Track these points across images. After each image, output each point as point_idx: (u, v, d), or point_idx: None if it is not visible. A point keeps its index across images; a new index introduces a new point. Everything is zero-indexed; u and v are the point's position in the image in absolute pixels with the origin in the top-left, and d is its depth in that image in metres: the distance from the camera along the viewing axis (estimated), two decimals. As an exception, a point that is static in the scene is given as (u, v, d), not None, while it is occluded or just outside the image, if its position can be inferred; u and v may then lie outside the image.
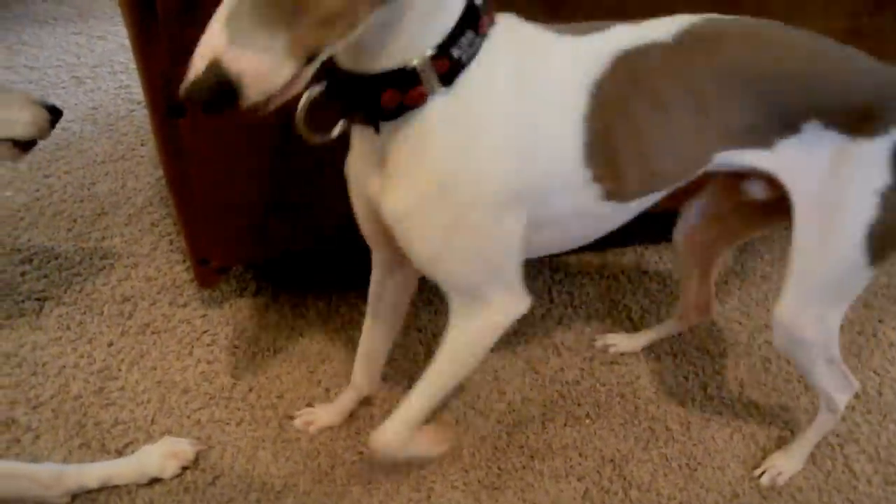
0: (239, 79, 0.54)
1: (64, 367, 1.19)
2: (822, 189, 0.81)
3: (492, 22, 0.67)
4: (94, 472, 1.00)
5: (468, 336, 0.82)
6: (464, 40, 0.64)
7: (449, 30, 0.63)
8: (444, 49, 0.64)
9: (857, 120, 0.79)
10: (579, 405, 1.17)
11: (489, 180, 0.70)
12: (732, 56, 0.76)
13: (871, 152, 0.79)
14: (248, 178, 1.05)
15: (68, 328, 1.26)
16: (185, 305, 1.30)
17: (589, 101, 0.72)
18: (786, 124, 0.79)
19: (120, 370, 1.19)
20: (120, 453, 1.07)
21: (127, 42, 2.19)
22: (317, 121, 0.72)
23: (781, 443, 1.11)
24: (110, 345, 1.23)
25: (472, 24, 0.64)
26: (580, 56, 0.73)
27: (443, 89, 0.65)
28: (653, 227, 1.52)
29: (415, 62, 0.64)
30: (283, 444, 1.08)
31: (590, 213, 0.79)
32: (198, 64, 0.55)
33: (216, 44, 0.55)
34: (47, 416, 1.12)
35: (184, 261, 1.39)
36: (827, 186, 0.81)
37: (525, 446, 1.10)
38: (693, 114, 0.76)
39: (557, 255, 1.44)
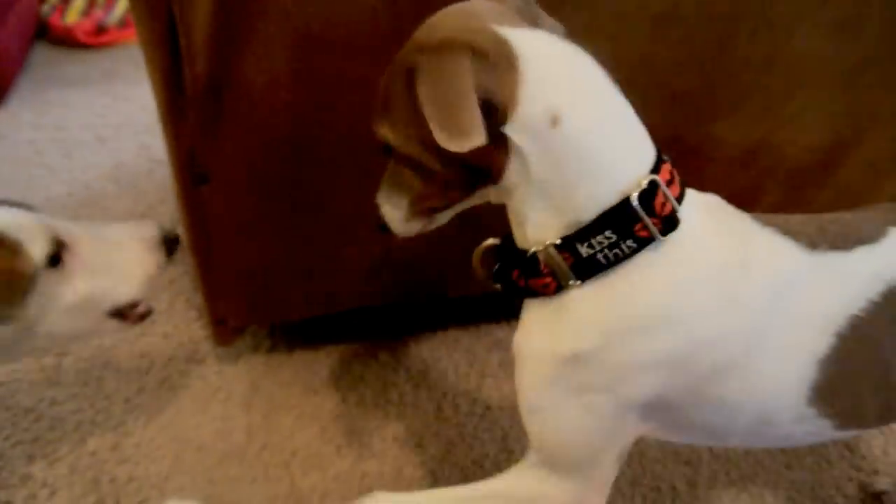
0: (386, 222, 0.72)
1: (81, 422, 1.22)
2: None
3: (665, 227, 0.59)
4: None
5: (520, 494, 0.72)
6: (600, 239, 0.58)
7: (579, 225, 0.59)
8: (569, 242, 0.60)
9: None
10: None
11: (639, 378, 0.62)
12: None
13: None
14: (267, 245, 1.09)
15: (86, 384, 1.29)
16: (200, 362, 1.33)
17: (834, 341, 0.61)
18: None
19: (136, 426, 1.21)
20: (134, 510, 1.09)
21: (149, 103, 2.27)
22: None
23: (789, 502, 1.12)
24: (127, 401, 1.26)
25: (618, 224, 0.58)
26: (836, 279, 0.62)
27: (578, 283, 0.61)
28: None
29: (533, 249, 0.62)
30: (296, 502, 1.10)
31: (799, 436, 0.70)
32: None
33: (378, 194, 0.73)
34: (63, 471, 1.14)
35: (200, 318, 1.42)
36: None
37: None
38: None
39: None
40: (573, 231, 0.59)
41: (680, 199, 0.60)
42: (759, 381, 0.63)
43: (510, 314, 1.44)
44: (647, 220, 0.58)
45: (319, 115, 0.95)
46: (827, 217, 0.68)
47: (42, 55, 2.57)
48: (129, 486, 1.12)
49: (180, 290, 1.49)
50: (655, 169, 0.60)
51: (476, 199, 0.66)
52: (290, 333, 1.36)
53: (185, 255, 1.57)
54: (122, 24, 2.63)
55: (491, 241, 0.71)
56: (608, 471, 0.70)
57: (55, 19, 2.59)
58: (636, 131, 0.62)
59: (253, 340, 1.37)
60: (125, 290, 0.88)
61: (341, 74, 0.92)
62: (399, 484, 1.13)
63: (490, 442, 1.20)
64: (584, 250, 0.59)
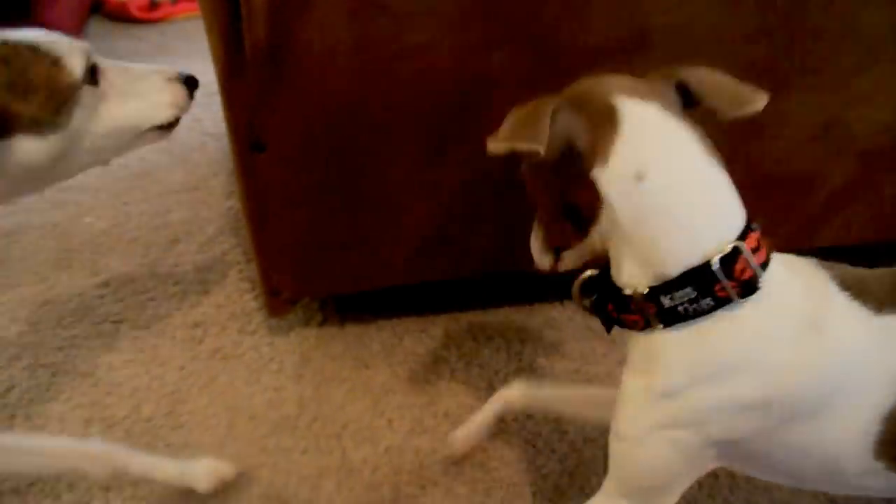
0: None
1: (137, 388, 1.24)
2: None
3: (738, 292, 0.64)
4: (139, 460, 1.01)
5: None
6: (682, 293, 0.64)
7: (665, 278, 0.65)
8: (654, 293, 0.65)
9: None
10: (641, 447, 1.16)
11: (717, 420, 0.68)
12: None
13: None
14: (322, 215, 1.08)
15: (142, 351, 1.31)
16: (253, 333, 1.34)
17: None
18: None
19: (190, 394, 1.23)
20: (188, 476, 1.10)
21: (200, 77, 2.29)
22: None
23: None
24: (181, 368, 1.27)
25: (700, 283, 0.63)
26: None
27: (661, 326, 0.66)
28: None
29: (626, 291, 0.68)
30: (347, 474, 1.10)
31: (868, 487, 0.73)
32: None
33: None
34: (120, 435, 1.16)
35: (252, 289, 1.43)
36: None
37: (587, 487, 1.09)
38: None
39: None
40: (659, 283, 0.65)
41: (765, 265, 0.65)
42: (827, 432, 0.67)
43: (564, 294, 1.42)
44: (727, 283, 0.63)
45: (377, 83, 0.93)
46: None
47: (97, 29, 2.61)
48: (184, 452, 1.13)
49: (233, 262, 1.50)
50: (742, 236, 0.64)
51: (590, 246, 0.72)
52: (342, 306, 1.36)
53: (238, 227, 1.58)
54: (175, -1, 2.65)
55: (590, 272, 0.75)
56: (675, 498, 0.75)
57: (110, -6, 2.63)
58: (726, 199, 0.67)
59: (305, 313, 1.37)
60: (159, 112, 0.95)
61: (400, 41, 0.90)
62: (450, 460, 1.12)
63: (543, 421, 1.18)
64: (666, 301, 0.65)
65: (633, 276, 0.67)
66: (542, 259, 0.78)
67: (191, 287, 1.44)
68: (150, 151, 1.86)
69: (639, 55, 0.98)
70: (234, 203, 1.67)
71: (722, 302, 0.64)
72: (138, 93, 0.93)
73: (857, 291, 0.68)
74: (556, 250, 0.77)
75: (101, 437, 1.15)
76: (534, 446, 1.14)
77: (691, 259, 0.64)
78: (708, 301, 0.64)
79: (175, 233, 1.59)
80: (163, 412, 1.20)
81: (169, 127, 1.00)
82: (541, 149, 0.63)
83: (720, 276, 0.63)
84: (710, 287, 0.63)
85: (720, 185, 0.67)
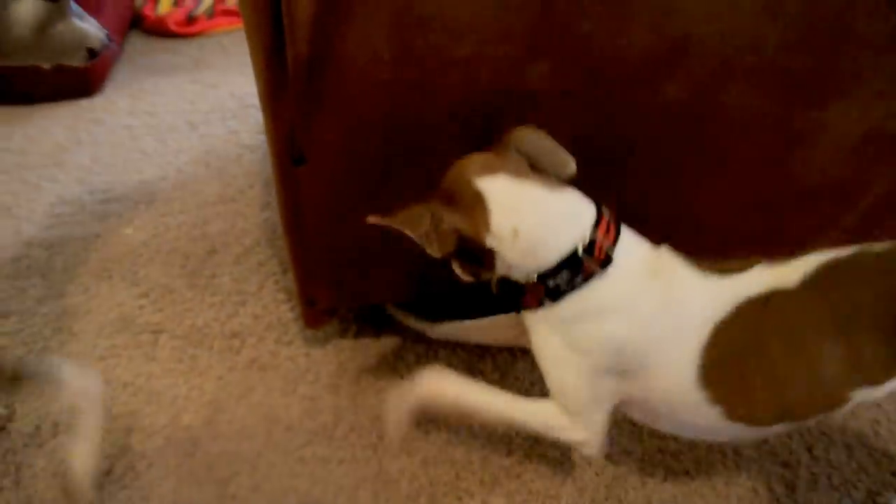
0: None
1: (176, 397, 1.25)
2: None
3: (599, 266, 0.87)
4: None
5: (543, 417, 0.97)
6: (560, 276, 0.87)
7: (547, 268, 0.88)
8: (541, 279, 0.88)
9: None
10: (679, 460, 1.14)
11: (598, 352, 0.91)
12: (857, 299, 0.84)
13: None
14: (361, 227, 1.09)
15: (181, 360, 1.32)
16: (289, 343, 1.35)
17: (710, 335, 0.87)
18: None
19: (228, 403, 1.24)
20: (226, 483, 1.11)
21: (237, 91, 2.32)
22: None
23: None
24: (219, 378, 1.29)
25: (572, 267, 0.87)
26: (712, 295, 0.89)
27: (549, 301, 0.90)
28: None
29: (522, 281, 0.91)
30: (384, 484, 1.10)
31: (712, 427, 0.92)
32: None
33: None
34: (159, 444, 1.18)
35: (289, 300, 1.44)
36: None
37: (624, 500, 1.08)
38: (825, 355, 0.84)
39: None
40: (543, 272, 0.88)
41: (616, 241, 0.89)
42: (669, 373, 0.90)
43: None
44: (590, 262, 0.87)
45: (419, 96, 0.94)
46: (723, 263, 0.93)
47: (136, 44, 2.66)
48: (222, 461, 1.15)
49: (270, 273, 1.51)
50: (596, 224, 0.88)
51: (496, 271, 0.92)
52: (378, 318, 1.36)
53: (274, 238, 1.60)
54: (211, 14, 2.70)
55: (500, 275, 0.95)
56: (602, 421, 0.95)
57: (148, 10, 2.68)
58: (576, 210, 0.89)
59: (340, 324, 1.38)
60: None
61: (442, 54, 0.91)
62: (486, 471, 1.12)
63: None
64: (551, 283, 0.88)
65: (527, 276, 0.90)
66: (465, 279, 0.97)
67: (228, 298, 1.46)
68: (188, 164, 1.89)
69: (679, 65, 0.97)
70: (271, 214, 1.69)
71: (590, 276, 0.87)
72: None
73: (690, 260, 0.91)
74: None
75: (142, 447, 1.17)
76: (570, 458, 1.14)
77: (565, 251, 0.87)
78: (579, 278, 0.87)
79: (213, 244, 1.61)
80: (201, 421, 1.21)
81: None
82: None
83: (585, 259, 0.86)
84: (580, 268, 0.87)
85: (568, 203, 0.89)
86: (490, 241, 0.87)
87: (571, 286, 0.88)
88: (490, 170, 0.88)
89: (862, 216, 1.25)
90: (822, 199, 1.21)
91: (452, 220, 0.87)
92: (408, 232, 0.88)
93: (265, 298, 1.45)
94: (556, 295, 0.89)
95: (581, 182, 1.10)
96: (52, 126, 2.12)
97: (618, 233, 0.90)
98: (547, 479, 1.11)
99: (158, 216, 1.71)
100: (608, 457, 1.14)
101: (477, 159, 0.90)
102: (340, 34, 0.88)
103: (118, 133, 2.08)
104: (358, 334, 1.36)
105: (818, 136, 1.12)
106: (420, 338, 1.34)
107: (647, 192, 1.14)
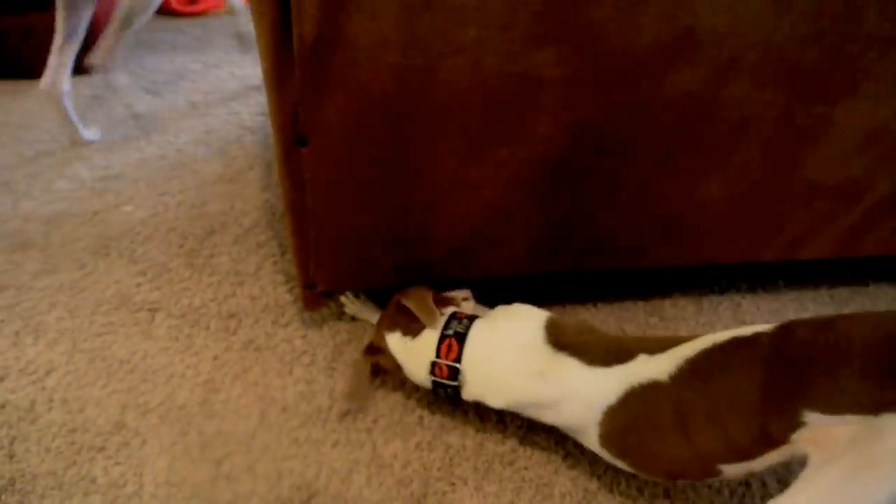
0: None
1: (172, 376, 1.25)
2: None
3: (451, 377, 1.08)
4: None
5: None
6: (440, 392, 1.11)
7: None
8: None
9: None
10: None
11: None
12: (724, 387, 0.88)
13: None
14: (363, 210, 1.09)
15: (177, 339, 1.32)
16: (286, 325, 1.35)
17: (604, 416, 0.97)
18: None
19: (223, 383, 1.24)
20: (219, 463, 1.11)
21: (238, 71, 2.31)
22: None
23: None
24: (215, 358, 1.28)
25: (439, 386, 1.10)
26: (601, 384, 0.98)
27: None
28: (750, 277, 1.49)
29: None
30: (377, 468, 1.10)
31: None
32: None
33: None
34: (154, 421, 1.18)
35: (287, 282, 1.44)
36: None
37: (615, 490, 1.09)
38: (698, 435, 0.89)
39: (651, 298, 1.43)
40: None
41: (458, 356, 1.08)
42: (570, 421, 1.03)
43: (597, 296, 1.42)
44: (444, 381, 1.09)
45: (424, 79, 0.93)
46: (616, 341, 1.05)
47: (138, 22, 2.64)
48: (216, 440, 1.14)
49: (268, 254, 1.51)
50: (437, 351, 1.09)
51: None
52: (375, 301, 1.36)
53: (273, 220, 1.59)
54: (215, -7, 2.68)
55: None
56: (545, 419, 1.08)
57: (152, -13, 2.66)
58: (424, 347, 1.11)
59: (338, 307, 1.38)
60: None
61: (447, 38, 0.90)
62: (480, 458, 1.12)
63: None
64: (444, 393, 1.11)
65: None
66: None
67: (226, 278, 1.45)
68: (189, 144, 1.88)
69: (686, 56, 0.97)
70: (270, 196, 1.69)
71: (453, 387, 1.08)
72: None
73: (573, 350, 1.01)
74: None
75: (136, 424, 1.17)
76: (564, 448, 1.14)
77: (428, 381, 1.12)
78: (450, 389, 1.09)
79: (211, 224, 1.60)
80: (197, 400, 1.21)
81: None
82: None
83: (438, 380, 1.10)
84: (442, 386, 1.10)
85: (420, 342, 1.12)
86: (397, 360, 1.16)
87: (454, 395, 1.10)
88: (393, 327, 1.15)
89: (864, 214, 1.25)
90: (825, 196, 1.21)
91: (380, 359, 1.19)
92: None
93: (263, 280, 1.45)
94: (454, 399, 1.11)
95: (582, 170, 1.09)
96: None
97: (461, 344, 1.08)
98: (540, 467, 1.11)
99: (157, 195, 1.70)
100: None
101: (389, 314, 1.18)
102: (347, 15, 0.87)
103: (119, 111, 2.07)
104: (354, 317, 1.36)
105: (824, 133, 1.12)
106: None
107: (647, 182, 1.14)
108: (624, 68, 0.97)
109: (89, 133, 1.91)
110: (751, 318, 1.39)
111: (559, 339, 1.04)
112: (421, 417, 1.18)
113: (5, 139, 1.93)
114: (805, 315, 1.38)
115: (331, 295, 1.30)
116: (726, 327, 1.36)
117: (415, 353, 1.12)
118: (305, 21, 0.88)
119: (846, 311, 1.42)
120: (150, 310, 1.38)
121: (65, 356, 1.28)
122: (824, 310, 1.42)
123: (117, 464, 1.11)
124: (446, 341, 1.08)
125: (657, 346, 0.98)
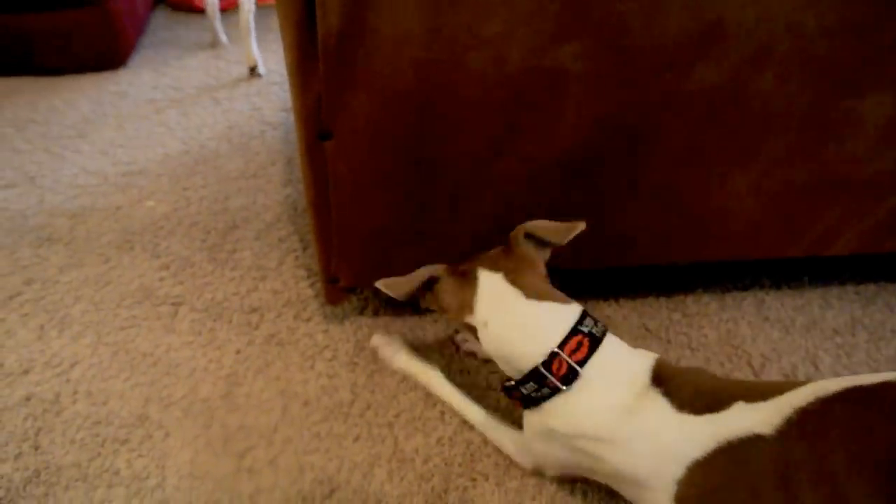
0: None
1: (195, 369, 1.26)
2: None
3: (560, 381, 0.91)
4: None
5: (520, 444, 1.08)
6: (529, 386, 0.94)
7: (519, 376, 0.95)
8: (517, 385, 0.96)
9: None
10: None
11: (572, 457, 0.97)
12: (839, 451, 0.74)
13: None
14: (386, 205, 1.08)
15: (200, 333, 1.33)
16: (308, 320, 1.35)
17: (685, 472, 0.83)
18: None
19: (246, 377, 1.24)
20: (242, 456, 1.12)
21: (261, 67, 2.31)
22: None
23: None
24: (238, 352, 1.29)
25: (537, 379, 0.93)
26: (687, 434, 0.84)
27: (522, 407, 0.99)
28: (775, 273, 1.48)
29: (507, 383, 0.99)
30: (399, 463, 1.10)
31: None
32: None
33: None
34: (177, 414, 1.18)
35: (308, 276, 1.44)
36: None
37: (640, 488, 1.08)
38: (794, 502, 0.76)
39: (674, 294, 1.42)
40: (519, 378, 0.96)
41: (585, 360, 0.91)
42: (636, 488, 0.90)
43: (619, 292, 1.41)
44: (551, 378, 0.92)
45: (448, 74, 0.93)
46: (712, 384, 0.91)
47: (161, 19, 2.66)
48: (238, 434, 1.15)
49: (290, 249, 1.51)
50: (564, 342, 0.92)
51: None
52: (398, 315, 1.36)
53: (295, 215, 1.60)
54: (237, -10, 2.69)
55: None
56: (554, 472, 1.06)
57: (174, -16, 2.68)
58: (545, 323, 0.94)
59: (360, 302, 1.38)
60: None
61: (471, 32, 0.90)
62: (502, 454, 1.11)
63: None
64: (524, 391, 0.95)
65: (509, 374, 0.98)
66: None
67: (248, 273, 1.46)
68: (211, 139, 1.90)
69: (713, 49, 0.96)
70: (292, 191, 1.69)
71: (554, 389, 0.92)
72: None
73: (668, 389, 0.88)
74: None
75: (159, 417, 1.17)
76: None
77: (531, 363, 0.93)
78: (545, 390, 0.93)
79: (234, 219, 1.61)
80: (219, 394, 1.21)
81: None
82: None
83: (545, 373, 0.92)
84: (543, 381, 0.92)
85: (540, 316, 0.95)
86: (470, 320, 1.00)
87: (538, 397, 0.94)
88: (494, 266, 0.99)
89: (891, 210, 1.23)
90: (854, 191, 1.19)
91: (446, 287, 1.02)
92: (403, 285, 1.01)
93: (285, 274, 1.45)
94: (527, 402, 0.97)
95: (606, 164, 1.09)
96: (78, 98, 2.13)
97: (591, 351, 0.92)
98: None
99: (180, 190, 1.71)
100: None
101: (491, 254, 1.02)
102: (371, 9, 0.87)
103: (142, 106, 2.08)
104: (376, 312, 1.36)
105: (853, 126, 1.10)
106: (438, 318, 1.34)
107: (672, 177, 1.12)
108: (650, 62, 0.96)
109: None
110: (775, 315, 1.38)
111: (660, 373, 0.91)
112: (442, 413, 1.18)
113: (31, 135, 1.95)
114: (831, 312, 1.37)
115: (353, 290, 1.30)
116: (750, 324, 1.36)
117: (520, 317, 0.95)
118: (330, 15, 0.87)
119: (872, 308, 1.40)
120: (173, 304, 1.39)
121: (89, 349, 1.30)
122: (851, 307, 1.40)
123: (140, 456, 1.12)
124: (577, 336, 0.92)
125: (757, 391, 0.84)
